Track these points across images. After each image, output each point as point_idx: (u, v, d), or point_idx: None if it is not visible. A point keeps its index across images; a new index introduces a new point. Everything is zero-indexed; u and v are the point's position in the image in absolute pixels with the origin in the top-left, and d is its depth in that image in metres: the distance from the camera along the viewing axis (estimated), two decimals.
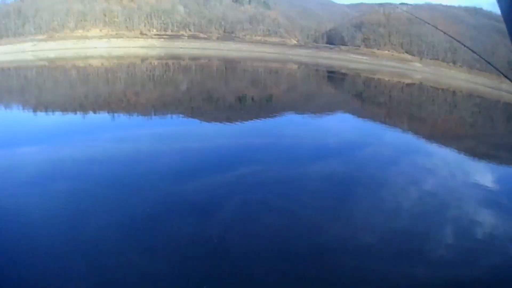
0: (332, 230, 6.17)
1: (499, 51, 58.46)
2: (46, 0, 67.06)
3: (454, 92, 38.55)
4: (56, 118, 13.43)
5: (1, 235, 5.61)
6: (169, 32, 64.62)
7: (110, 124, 12.65)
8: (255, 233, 5.87)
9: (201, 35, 65.14)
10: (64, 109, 15.07)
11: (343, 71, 46.45)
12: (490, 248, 5.93)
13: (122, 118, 13.59)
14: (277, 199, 7.18)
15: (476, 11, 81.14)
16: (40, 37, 66.79)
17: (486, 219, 6.98)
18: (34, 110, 15.11)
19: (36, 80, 29.20)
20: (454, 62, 66.28)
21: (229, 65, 42.05)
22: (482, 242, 6.07)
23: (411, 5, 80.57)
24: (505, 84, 51.00)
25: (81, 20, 60.31)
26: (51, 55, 53.85)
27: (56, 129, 11.72)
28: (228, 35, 68.70)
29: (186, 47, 58.82)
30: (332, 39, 76.58)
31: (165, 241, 5.32)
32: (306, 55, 64.75)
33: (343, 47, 71.45)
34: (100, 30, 63.82)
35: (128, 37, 61.89)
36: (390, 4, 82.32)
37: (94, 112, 14.67)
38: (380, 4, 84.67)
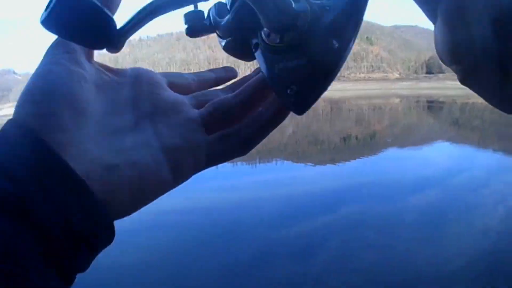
0: (427, 256, 6.04)
1: None
2: (145, 50, 71.74)
3: None
4: None
5: None
6: None
7: (214, 173, 11.65)
8: (354, 269, 5.97)
9: None
10: None
11: (441, 99, 45.57)
12: None
13: (226, 167, 12.15)
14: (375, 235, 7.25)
15: None
16: None
17: None
18: None
19: None
20: None
21: (334, 106, 42.07)
22: None
23: None
24: None
25: (184, 69, 63.90)
26: None
27: None
28: None
29: None
30: (431, 68, 75.26)
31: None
32: (407, 87, 64.28)
33: (440, 75, 69.97)
34: None
35: None
36: None
37: None
38: None
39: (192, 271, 5.77)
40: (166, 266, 5.93)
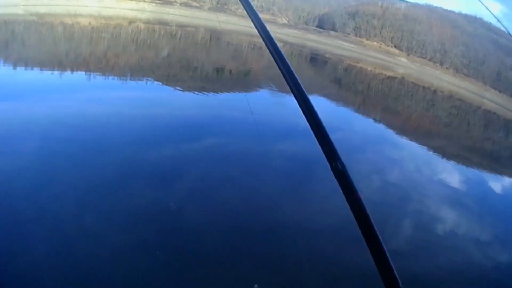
0: (290, 209, 6.30)
1: (490, 61, 60.13)
2: None
3: (434, 91, 39.63)
4: (31, 76, 12.93)
5: None
6: None
7: (85, 85, 12.35)
8: (214, 207, 5.92)
9: (194, 3, 63.75)
10: (42, 66, 14.60)
11: (327, 55, 46.81)
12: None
13: (98, 79, 13.30)
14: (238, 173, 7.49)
15: (475, 20, 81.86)
16: None
17: (447, 216, 7.24)
18: (13, 66, 14.35)
19: (21, 35, 27.85)
20: (442, 63, 67.58)
21: (214, 35, 41.48)
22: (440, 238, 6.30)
23: (410, 2, 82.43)
24: (488, 93, 53.11)
25: None
26: (42, 10, 51.36)
27: (30, 87, 11.29)
28: (221, 6, 68.00)
29: (176, 13, 57.34)
30: (323, 24, 77.29)
31: (122, 206, 5.40)
32: (293, 35, 64.98)
33: (332, 33, 72.29)
34: None
35: None
36: None
37: (71, 71, 14.16)
38: None
39: (52, 183, 5.63)
40: (27, 176, 5.68)
